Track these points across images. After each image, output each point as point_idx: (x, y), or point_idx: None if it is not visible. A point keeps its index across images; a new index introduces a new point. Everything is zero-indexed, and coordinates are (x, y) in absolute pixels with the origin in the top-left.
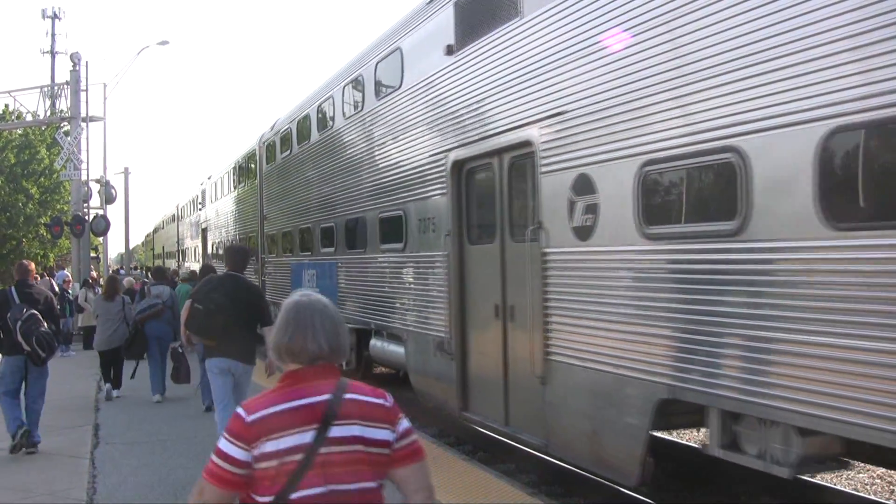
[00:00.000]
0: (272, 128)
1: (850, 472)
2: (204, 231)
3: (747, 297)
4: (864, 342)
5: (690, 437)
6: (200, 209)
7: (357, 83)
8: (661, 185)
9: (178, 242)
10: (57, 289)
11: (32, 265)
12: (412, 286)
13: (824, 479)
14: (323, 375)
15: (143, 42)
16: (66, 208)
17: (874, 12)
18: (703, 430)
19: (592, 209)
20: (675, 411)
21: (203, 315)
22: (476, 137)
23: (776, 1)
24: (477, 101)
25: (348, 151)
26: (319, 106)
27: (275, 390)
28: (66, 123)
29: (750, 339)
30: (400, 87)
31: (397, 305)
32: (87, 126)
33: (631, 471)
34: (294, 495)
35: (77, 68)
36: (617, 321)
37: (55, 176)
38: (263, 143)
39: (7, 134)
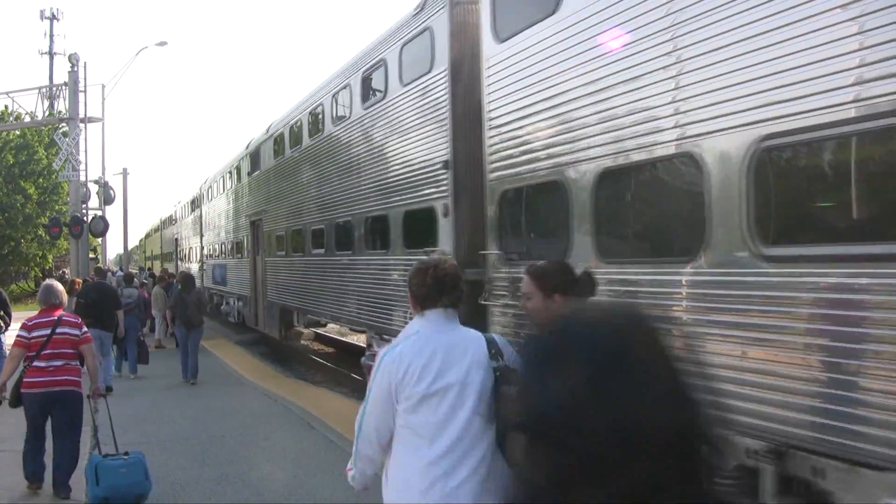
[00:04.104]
0: (206, 181)
1: None
2: (177, 241)
3: (324, 275)
4: None
5: None
6: (174, 223)
7: (231, 171)
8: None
9: (161, 248)
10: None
11: None
12: (243, 274)
13: None
14: (55, 310)
15: (141, 43)
16: (64, 209)
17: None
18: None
19: (272, 243)
20: (293, 316)
21: (83, 306)
22: (253, 211)
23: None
24: (252, 195)
25: (231, 204)
26: (222, 175)
27: (38, 314)
28: (64, 124)
29: (328, 294)
30: (241, 181)
31: (240, 283)
32: (85, 127)
33: (278, 334)
34: (42, 352)
35: (75, 69)
36: (279, 283)
37: (54, 177)
38: (202, 188)
39: (5, 135)
